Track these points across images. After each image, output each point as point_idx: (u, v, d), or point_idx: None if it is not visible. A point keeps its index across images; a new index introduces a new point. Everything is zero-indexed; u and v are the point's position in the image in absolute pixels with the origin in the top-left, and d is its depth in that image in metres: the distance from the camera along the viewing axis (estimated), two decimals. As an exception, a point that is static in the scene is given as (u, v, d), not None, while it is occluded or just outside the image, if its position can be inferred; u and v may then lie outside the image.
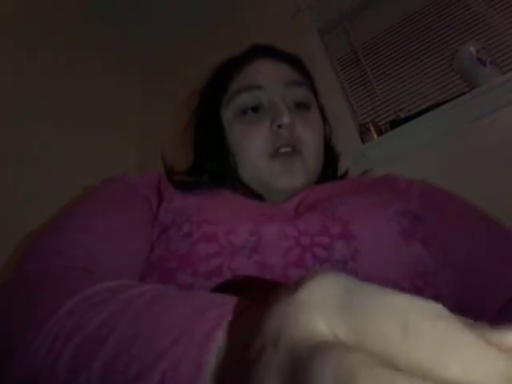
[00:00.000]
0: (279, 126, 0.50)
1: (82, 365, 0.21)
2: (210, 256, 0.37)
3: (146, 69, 1.56)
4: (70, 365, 0.21)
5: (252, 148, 0.51)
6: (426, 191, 0.48)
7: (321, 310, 0.12)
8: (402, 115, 1.02)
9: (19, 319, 0.27)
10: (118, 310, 0.23)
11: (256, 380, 0.13)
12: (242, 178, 0.53)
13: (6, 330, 0.26)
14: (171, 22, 1.50)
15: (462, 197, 0.48)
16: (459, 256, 0.41)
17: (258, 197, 0.52)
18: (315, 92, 0.61)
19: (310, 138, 0.53)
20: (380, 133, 1.01)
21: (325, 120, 0.64)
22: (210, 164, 0.55)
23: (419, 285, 0.36)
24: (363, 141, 1.01)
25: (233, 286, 0.35)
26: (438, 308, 0.12)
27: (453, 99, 0.91)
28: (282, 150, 0.50)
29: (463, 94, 0.92)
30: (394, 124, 0.99)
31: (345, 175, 0.65)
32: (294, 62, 0.59)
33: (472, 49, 0.94)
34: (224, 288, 0.35)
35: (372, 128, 1.01)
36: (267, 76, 0.54)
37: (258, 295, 0.16)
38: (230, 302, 0.21)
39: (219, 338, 0.18)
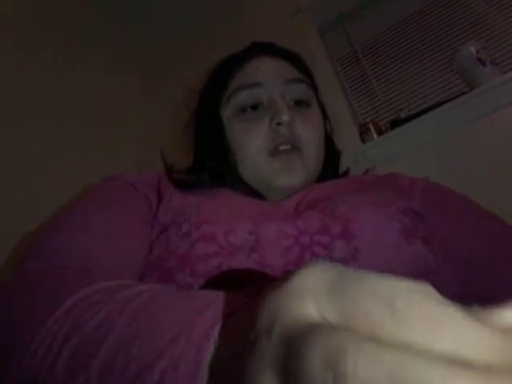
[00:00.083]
0: (278, 124, 0.50)
1: (81, 365, 0.21)
2: (209, 256, 0.37)
3: (146, 69, 1.55)
4: (69, 365, 0.21)
5: (251, 146, 0.51)
6: (428, 189, 0.48)
7: (311, 295, 0.12)
8: (402, 115, 1.01)
9: (17, 319, 0.26)
10: (116, 309, 0.23)
11: (251, 371, 0.13)
12: (242, 176, 0.53)
13: (5, 329, 0.26)
14: (171, 22, 1.49)
15: (465, 195, 0.48)
16: (460, 254, 0.41)
17: (259, 195, 0.52)
18: (315, 89, 0.61)
19: (309, 135, 0.53)
20: (380, 133, 1.01)
21: (325, 117, 0.64)
22: (209, 163, 0.55)
23: None
24: (363, 141, 1.01)
25: (234, 279, 0.35)
26: (426, 288, 0.12)
27: (453, 99, 0.91)
28: (282, 148, 0.50)
29: (463, 93, 0.92)
30: (394, 124, 0.99)
31: (346, 173, 0.65)
32: (294, 59, 0.59)
33: (472, 49, 0.94)
34: (225, 281, 0.34)
35: (372, 128, 1.01)
36: (267, 73, 0.54)
37: (258, 290, 0.16)
38: (228, 300, 0.21)
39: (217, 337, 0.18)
